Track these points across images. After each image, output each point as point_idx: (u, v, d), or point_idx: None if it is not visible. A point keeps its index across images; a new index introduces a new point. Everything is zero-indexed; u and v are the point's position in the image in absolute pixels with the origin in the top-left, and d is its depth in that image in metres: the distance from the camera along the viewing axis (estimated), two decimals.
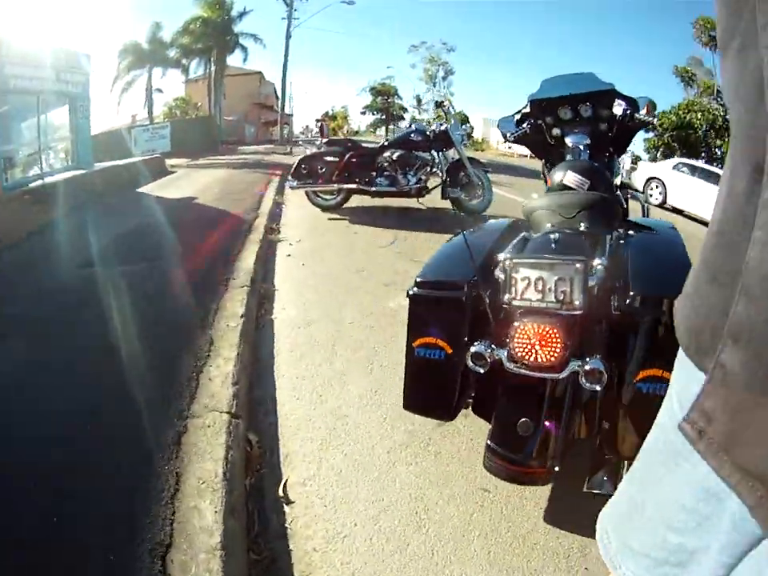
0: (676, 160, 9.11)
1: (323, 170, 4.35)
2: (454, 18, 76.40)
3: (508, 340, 0.97)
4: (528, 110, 2.28)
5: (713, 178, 7.18)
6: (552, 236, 1.14)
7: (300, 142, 21.37)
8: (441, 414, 1.19)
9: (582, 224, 1.36)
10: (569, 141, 2.19)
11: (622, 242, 1.34)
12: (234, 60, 21.89)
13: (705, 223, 6.52)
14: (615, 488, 1.00)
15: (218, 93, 21.16)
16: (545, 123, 2.21)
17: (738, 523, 0.40)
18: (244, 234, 3.69)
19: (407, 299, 1.18)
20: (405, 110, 38.28)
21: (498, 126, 2.50)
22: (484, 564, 1.13)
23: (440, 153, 4.49)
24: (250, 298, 2.49)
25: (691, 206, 7.29)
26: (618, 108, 2.15)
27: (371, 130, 38.90)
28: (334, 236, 3.88)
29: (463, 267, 1.16)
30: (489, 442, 1.04)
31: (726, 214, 0.40)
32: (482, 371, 1.02)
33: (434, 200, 4.77)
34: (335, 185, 4.39)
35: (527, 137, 2.26)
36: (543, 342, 0.92)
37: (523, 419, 0.98)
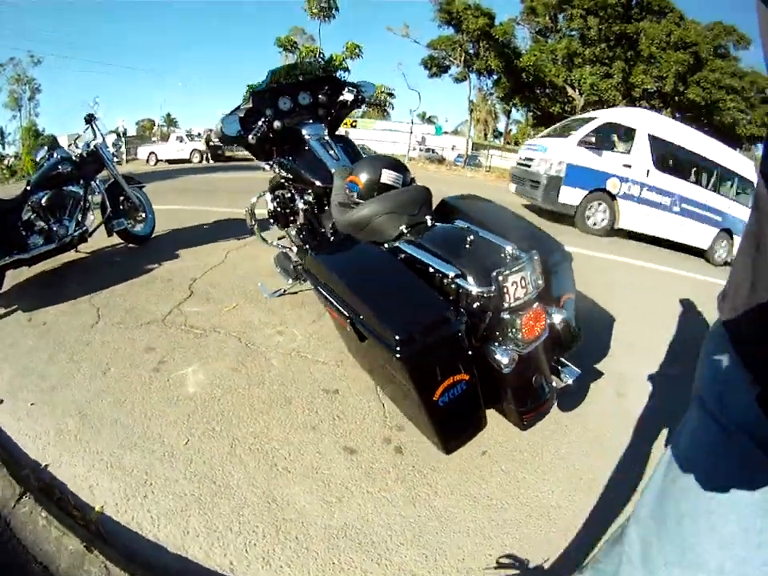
0: None
1: None
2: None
3: (513, 332, 1.23)
4: (251, 104, 2.14)
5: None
6: (468, 237, 1.35)
7: None
8: (481, 426, 1.23)
9: (428, 218, 1.53)
10: (305, 132, 2.13)
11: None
12: None
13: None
14: (577, 367, 1.48)
15: None
16: (267, 116, 2.09)
17: None
18: None
19: (398, 362, 1.07)
20: None
21: (222, 129, 2.04)
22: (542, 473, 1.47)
23: (94, 181, 3.30)
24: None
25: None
26: (350, 94, 2.26)
27: None
28: (30, 340, 2.30)
29: (427, 301, 1.22)
30: (517, 408, 1.28)
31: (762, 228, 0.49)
32: (513, 367, 1.20)
33: (97, 241, 3.40)
34: None
35: (265, 133, 2.10)
36: (538, 320, 1.25)
37: (535, 376, 1.30)
